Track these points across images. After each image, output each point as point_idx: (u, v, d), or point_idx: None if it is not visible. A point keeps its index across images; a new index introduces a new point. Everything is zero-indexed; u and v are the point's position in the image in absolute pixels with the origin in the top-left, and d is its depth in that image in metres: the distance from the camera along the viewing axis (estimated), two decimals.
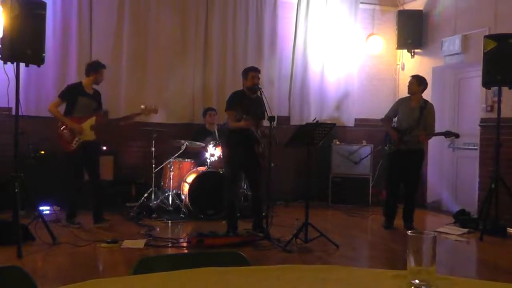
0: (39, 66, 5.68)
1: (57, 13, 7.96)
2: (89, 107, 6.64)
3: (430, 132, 7.00)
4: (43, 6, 5.58)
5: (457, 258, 5.89)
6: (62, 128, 6.51)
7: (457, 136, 7.10)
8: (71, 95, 6.57)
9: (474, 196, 7.84)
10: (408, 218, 7.10)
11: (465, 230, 6.94)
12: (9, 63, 5.35)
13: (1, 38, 5.31)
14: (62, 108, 6.66)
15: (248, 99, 6.26)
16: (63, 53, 8.05)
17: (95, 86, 6.79)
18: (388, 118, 7.31)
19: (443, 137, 8.30)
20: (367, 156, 8.78)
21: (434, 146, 8.89)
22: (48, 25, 5.93)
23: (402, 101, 7.30)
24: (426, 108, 6.99)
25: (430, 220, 8.20)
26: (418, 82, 7.05)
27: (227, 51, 8.82)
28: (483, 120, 7.76)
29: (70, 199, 6.71)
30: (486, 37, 6.71)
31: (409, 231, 1.52)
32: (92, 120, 6.59)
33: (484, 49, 6.64)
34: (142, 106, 6.96)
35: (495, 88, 7.01)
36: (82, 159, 6.61)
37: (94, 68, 6.67)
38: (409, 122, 6.97)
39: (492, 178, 6.71)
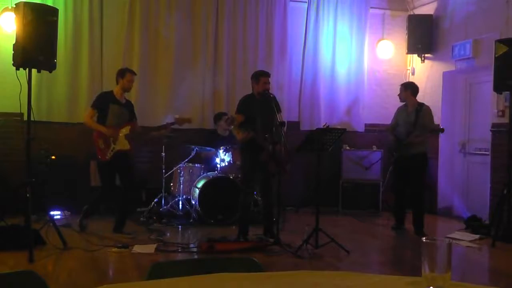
0: (50, 72, 5.72)
1: (69, 19, 8.01)
2: (122, 116, 6.50)
3: (423, 133, 7.05)
4: (55, 12, 5.64)
5: (469, 265, 5.83)
6: (96, 137, 6.40)
7: (442, 131, 7.19)
8: (103, 102, 6.44)
9: (486, 202, 7.77)
10: (417, 223, 7.10)
11: (477, 236, 6.87)
12: (21, 69, 5.38)
13: (14, 44, 5.35)
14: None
15: (258, 102, 6.25)
16: (74, 59, 8.09)
17: (126, 95, 6.70)
18: (391, 127, 7.46)
19: (454, 142, 8.35)
20: (377, 161, 8.74)
21: (445, 151, 8.86)
22: (59, 31, 5.96)
23: (400, 109, 7.41)
24: (421, 111, 7.07)
25: (441, 226, 8.15)
26: (404, 88, 7.27)
27: (237, 56, 8.84)
28: (494, 125, 7.71)
29: (93, 203, 6.65)
30: (497, 41, 6.68)
31: (424, 238, 1.51)
32: (126, 129, 6.48)
33: (495, 54, 6.61)
34: (176, 116, 6.92)
35: (507, 93, 6.99)
36: (116, 168, 6.50)
37: (120, 74, 6.54)
38: (407, 127, 7.07)
39: (504, 183, 6.66)
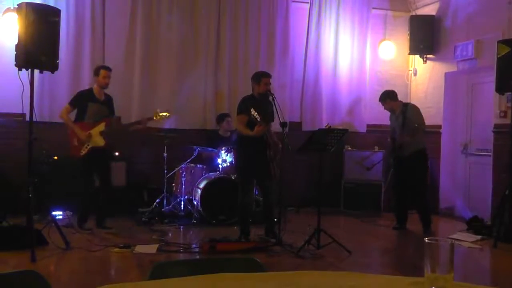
0: (53, 72, 5.72)
1: (71, 20, 8.02)
2: (100, 113, 6.63)
3: (411, 131, 7.15)
4: (57, 13, 5.63)
5: (471, 266, 5.82)
6: (71, 135, 6.57)
7: (421, 130, 7.24)
8: (81, 101, 6.61)
9: (488, 203, 7.75)
10: (423, 222, 7.23)
11: (479, 237, 6.86)
12: (23, 69, 5.37)
13: (16, 45, 5.35)
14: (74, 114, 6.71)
15: (259, 102, 6.24)
16: (76, 59, 8.09)
17: (107, 91, 6.81)
18: (391, 131, 7.60)
19: (456, 143, 8.36)
20: (379, 162, 8.72)
21: (447, 152, 8.85)
22: (61, 32, 5.96)
23: (391, 114, 7.56)
24: (407, 111, 7.23)
25: (443, 227, 8.12)
26: (382, 101, 7.45)
27: (238, 56, 8.83)
28: (496, 126, 7.70)
29: (81, 204, 6.74)
30: (499, 42, 6.67)
31: (427, 238, 1.50)
32: (101, 126, 6.58)
33: (497, 54, 6.61)
34: (154, 111, 7.01)
35: (509, 94, 6.98)
36: (92, 165, 6.63)
37: (95, 72, 6.72)
38: (399, 130, 7.23)
39: (506, 184, 6.64)
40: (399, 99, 7.58)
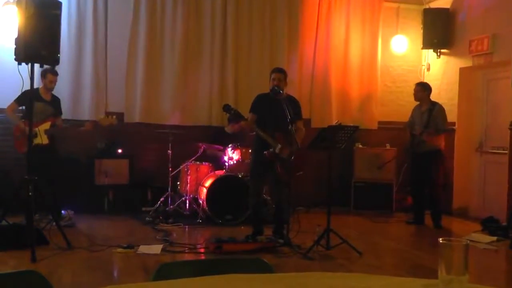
0: (53, 67, 5.64)
1: (72, 13, 7.94)
2: (45, 113, 6.78)
3: (435, 131, 7.36)
4: (58, 6, 5.55)
5: (486, 267, 5.65)
6: (16, 131, 6.66)
7: (450, 131, 7.58)
8: (27, 100, 6.59)
9: (503, 203, 7.59)
10: (434, 218, 7.50)
11: (494, 238, 6.73)
12: (23, 64, 5.29)
13: (16, 38, 5.27)
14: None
15: (271, 100, 6.09)
16: (78, 53, 8.03)
17: (55, 92, 7.00)
18: (409, 125, 7.78)
19: (470, 140, 8.21)
20: (391, 160, 8.57)
21: (461, 150, 8.70)
22: (63, 25, 5.87)
23: (415, 107, 7.74)
24: (434, 110, 7.37)
25: (457, 227, 7.97)
26: (423, 89, 7.62)
27: (245, 52, 8.72)
28: None
29: (54, 202, 6.68)
30: None
31: (441, 239, 1.47)
32: (46, 125, 6.74)
33: None
34: (101, 116, 7.08)
35: None
36: (36, 162, 6.50)
37: (42, 74, 6.79)
38: (420, 125, 7.41)
39: None
40: (412, 95, 7.74)
